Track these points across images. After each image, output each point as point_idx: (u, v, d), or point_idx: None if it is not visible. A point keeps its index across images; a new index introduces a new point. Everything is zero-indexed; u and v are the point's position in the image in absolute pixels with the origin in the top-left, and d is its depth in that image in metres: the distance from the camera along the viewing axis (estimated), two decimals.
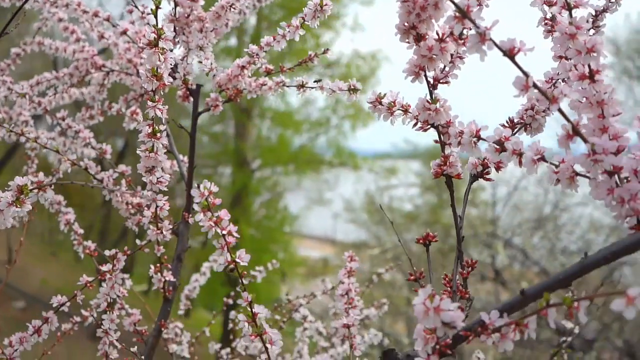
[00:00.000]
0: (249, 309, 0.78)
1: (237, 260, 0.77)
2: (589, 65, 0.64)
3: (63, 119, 1.30)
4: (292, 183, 10.64)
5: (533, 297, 0.61)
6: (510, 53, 0.60)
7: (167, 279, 1.11)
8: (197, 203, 0.75)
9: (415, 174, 9.95)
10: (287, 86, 1.15)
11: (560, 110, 0.61)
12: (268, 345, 0.78)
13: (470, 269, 0.75)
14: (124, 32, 1.22)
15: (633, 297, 0.47)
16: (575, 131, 0.61)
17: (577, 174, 0.64)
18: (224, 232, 0.76)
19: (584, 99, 0.65)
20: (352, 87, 1.04)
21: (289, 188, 10.64)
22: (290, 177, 10.58)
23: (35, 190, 0.81)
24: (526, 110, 0.81)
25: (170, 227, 1.05)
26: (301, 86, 1.12)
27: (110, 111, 1.39)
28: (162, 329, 1.16)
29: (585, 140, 0.61)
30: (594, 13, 0.85)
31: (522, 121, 0.81)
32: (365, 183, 10.14)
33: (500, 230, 7.29)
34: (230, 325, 1.62)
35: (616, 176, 0.62)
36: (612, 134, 0.63)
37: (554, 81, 0.81)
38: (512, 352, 6.25)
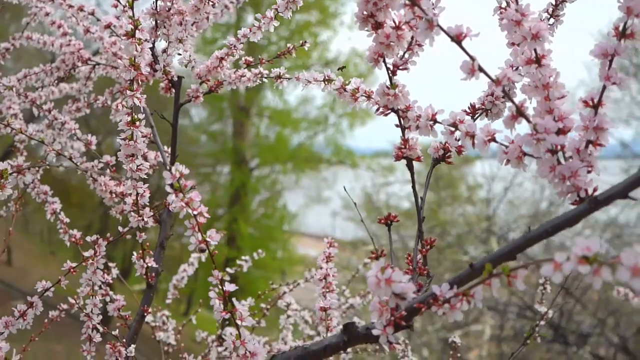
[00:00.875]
0: (220, 287, 0.81)
1: (208, 239, 0.80)
2: (535, 50, 0.67)
3: (49, 111, 1.33)
4: (291, 181, 10.68)
5: (480, 270, 0.64)
6: (457, 38, 0.63)
7: (149, 265, 1.14)
8: (169, 185, 0.78)
9: None
10: (265, 77, 1.19)
11: (505, 92, 0.64)
12: (238, 322, 0.82)
13: (429, 247, 0.78)
14: (108, 26, 1.26)
15: (559, 262, 0.51)
16: (519, 112, 0.64)
17: (525, 153, 0.68)
18: (195, 212, 0.79)
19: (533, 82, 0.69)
20: (326, 78, 1.07)
21: (287, 186, 10.68)
22: (289, 176, 10.62)
23: (15, 174, 0.84)
24: (487, 96, 0.85)
25: (151, 214, 1.09)
26: (278, 77, 1.15)
27: (96, 103, 1.42)
28: (145, 314, 1.19)
29: (528, 121, 0.64)
30: (554, 2, 0.89)
31: (482, 107, 0.84)
32: (363, 180, 10.17)
33: (496, 226, 7.32)
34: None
35: (560, 155, 0.65)
36: (558, 115, 0.66)
37: (514, 68, 0.85)
38: (507, 348, 6.26)
